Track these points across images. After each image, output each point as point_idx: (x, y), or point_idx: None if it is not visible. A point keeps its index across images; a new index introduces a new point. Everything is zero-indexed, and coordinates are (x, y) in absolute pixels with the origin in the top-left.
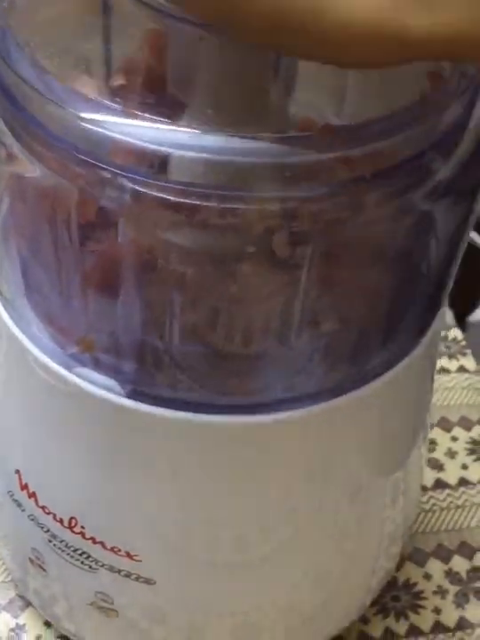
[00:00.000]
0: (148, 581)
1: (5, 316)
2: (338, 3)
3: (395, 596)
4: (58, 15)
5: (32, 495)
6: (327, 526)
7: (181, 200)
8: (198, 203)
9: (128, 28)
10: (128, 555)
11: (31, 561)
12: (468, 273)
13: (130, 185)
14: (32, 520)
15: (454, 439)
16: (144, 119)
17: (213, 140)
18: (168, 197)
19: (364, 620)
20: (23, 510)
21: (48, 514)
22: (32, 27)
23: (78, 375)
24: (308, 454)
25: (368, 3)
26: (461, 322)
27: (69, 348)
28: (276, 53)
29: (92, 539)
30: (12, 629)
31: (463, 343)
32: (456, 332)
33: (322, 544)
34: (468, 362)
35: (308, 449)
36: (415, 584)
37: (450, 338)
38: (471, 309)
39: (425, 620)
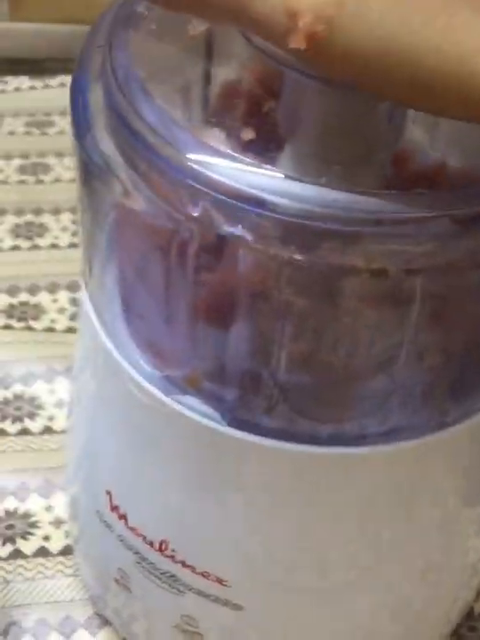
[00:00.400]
0: (236, 607)
1: (104, 338)
2: None
3: (471, 627)
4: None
5: (122, 517)
6: (412, 557)
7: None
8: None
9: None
10: (218, 580)
11: (116, 581)
12: None
13: (248, 218)
14: (121, 541)
15: None
16: (262, 168)
17: (324, 193)
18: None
19: None
20: (112, 531)
21: (138, 536)
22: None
23: (178, 401)
24: (401, 487)
25: None
26: None
27: (170, 375)
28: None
29: (182, 562)
30: None
31: None
32: None
33: (406, 574)
34: None
35: (401, 482)
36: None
37: None
38: None
39: None
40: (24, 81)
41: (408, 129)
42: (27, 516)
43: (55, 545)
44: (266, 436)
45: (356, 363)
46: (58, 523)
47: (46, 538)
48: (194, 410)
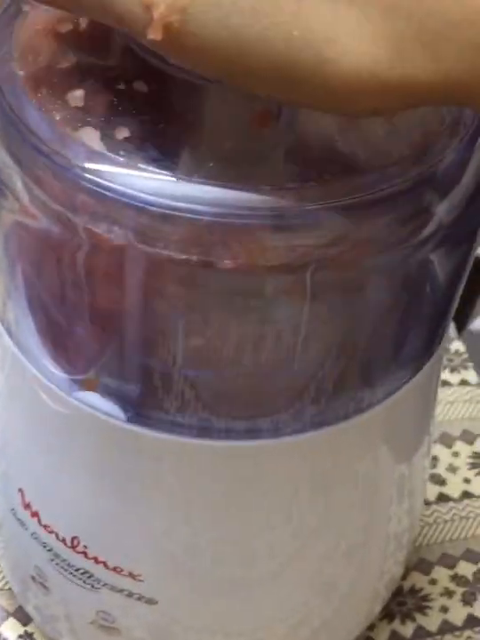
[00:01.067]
0: (150, 601)
1: (6, 337)
2: (342, 54)
3: (400, 602)
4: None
5: (35, 514)
6: (335, 540)
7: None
8: (201, 257)
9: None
10: (130, 575)
11: (33, 578)
12: (469, 283)
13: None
14: (35, 539)
15: (456, 454)
16: (147, 171)
17: (216, 193)
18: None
19: (369, 626)
20: (26, 528)
21: (51, 533)
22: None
23: (79, 399)
24: (313, 476)
25: (373, 53)
26: (461, 329)
27: (71, 373)
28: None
29: (95, 558)
30: (21, 636)
31: (465, 356)
32: (458, 345)
33: (328, 557)
34: (470, 375)
35: (312, 472)
36: (421, 589)
37: (452, 351)
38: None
39: (432, 621)
40: None
41: (300, 122)
42: None
43: None
44: (168, 432)
45: (257, 359)
46: None
47: None
48: (95, 407)
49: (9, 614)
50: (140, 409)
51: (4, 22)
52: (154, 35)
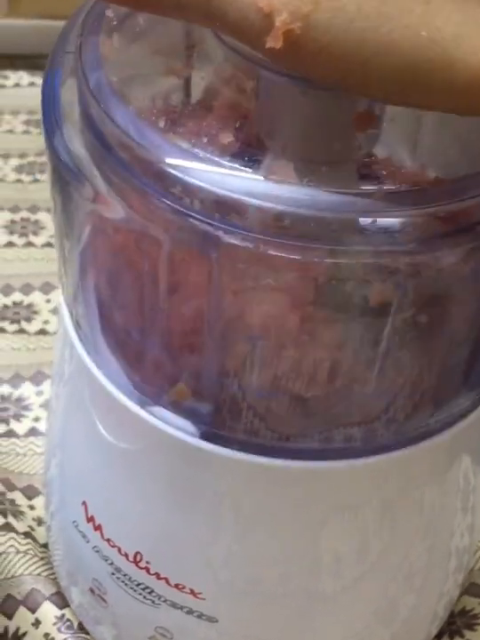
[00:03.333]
0: (210, 619)
1: (79, 348)
2: (472, 53)
3: (450, 622)
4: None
5: (98, 528)
6: (397, 564)
7: (270, 253)
8: (289, 256)
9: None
10: (192, 592)
11: (91, 591)
12: None
13: (219, 236)
14: (96, 552)
15: None
16: (235, 169)
17: (303, 193)
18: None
19: None
20: (87, 541)
21: (113, 547)
22: (123, 69)
23: (152, 414)
24: (380, 499)
25: None
26: None
27: (149, 387)
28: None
29: (157, 574)
30: (59, 618)
31: None
32: None
33: (392, 580)
34: None
35: (381, 495)
36: (472, 610)
37: None
38: None
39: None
40: (23, 76)
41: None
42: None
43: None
44: (240, 451)
45: (331, 377)
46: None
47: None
48: (167, 422)
49: (46, 598)
50: (213, 426)
51: (91, 27)
52: (274, 43)
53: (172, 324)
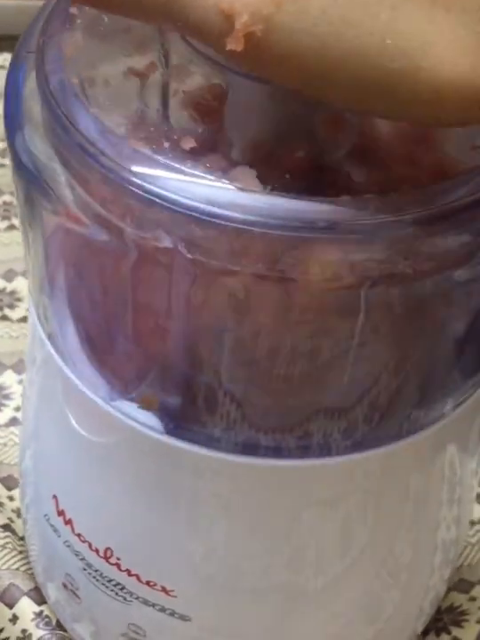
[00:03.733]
0: (183, 617)
1: (46, 339)
2: (438, 63)
3: (437, 619)
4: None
5: (68, 522)
6: (380, 561)
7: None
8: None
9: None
10: (163, 589)
11: (65, 586)
12: None
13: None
14: (67, 546)
15: None
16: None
17: (266, 202)
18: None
19: None
20: (59, 535)
21: (83, 542)
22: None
23: (118, 409)
24: (365, 492)
25: (470, 62)
26: None
27: (112, 383)
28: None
29: (128, 571)
30: (37, 614)
31: None
32: None
33: (375, 577)
34: None
35: (361, 492)
36: (459, 606)
37: None
38: None
39: (468, 633)
40: (8, 58)
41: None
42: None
43: None
44: (206, 447)
45: (311, 375)
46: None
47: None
48: (134, 418)
49: (24, 594)
50: (180, 422)
51: (55, 28)
52: (234, 45)
53: (136, 317)
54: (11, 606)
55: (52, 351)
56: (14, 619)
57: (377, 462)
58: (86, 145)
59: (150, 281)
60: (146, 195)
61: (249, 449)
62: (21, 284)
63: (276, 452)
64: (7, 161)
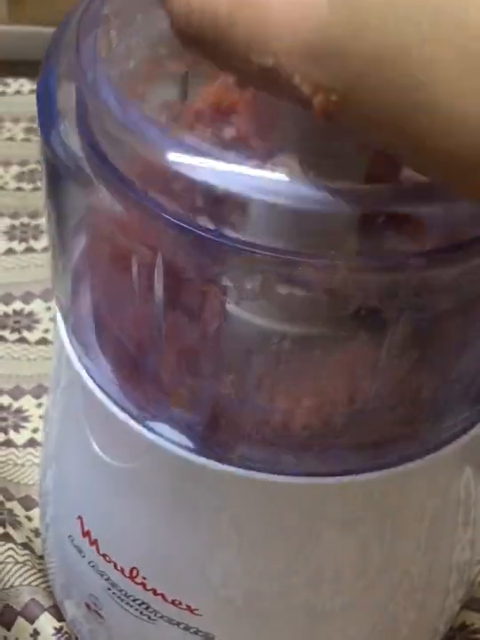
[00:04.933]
0: (207, 636)
1: (74, 358)
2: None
3: (449, 636)
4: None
5: (93, 543)
6: (397, 580)
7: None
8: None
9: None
10: (188, 608)
11: (88, 606)
12: None
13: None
14: (92, 567)
15: None
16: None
17: (305, 189)
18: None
19: None
20: (83, 556)
21: (109, 562)
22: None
23: (147, 428)
24: (383, 514)
25: None
26: None
27: (141, 400)
28: None
29: (153, 590)
30: (57, 630)
31: None
32: None
33: (392, 596)
34: None
35: (383, 509)
36: (472, 624)
37: None
38: None
39: None
40: (24, 84)
41: None
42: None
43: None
44: (236, 466)
45: (336, 396)
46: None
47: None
48: (164, 437)
49: (44, 610)
50: (209, 440)
51: (88, 25)
52: (317, 115)
53: (169, 337)
54: (31, 622)
55: (80, 369)
56: (35, 634)
57: (395, 481)
58: (127, 136)
59: (182, 304)
60: (186, 182)
61: (273, 467)
62: (39, 307)
63: (299, 470)
64: (24, 184)
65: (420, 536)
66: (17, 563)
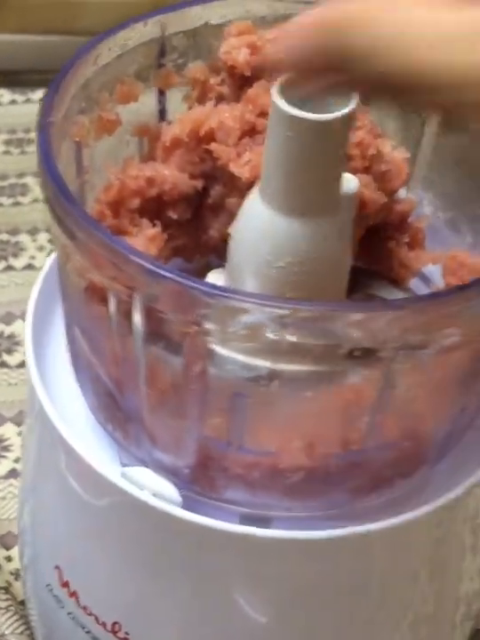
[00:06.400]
0: None
1: (50, 411)
2: None
3: None
4: None
5: (73, 594)
6: (403, 609)
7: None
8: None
9: None
10: None
11: None
12: None
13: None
14: (72, 619)
15: None
16: None
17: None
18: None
19: None
20: (62, 607)
21: (90, 615)
22: None
23: (129, 479)
24: (385, 566)
25: None
26: None
27: (123, 442)
28: None
29: None
30: None
31: None
32: None
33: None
34: None
35: (379, 562)
36: None
37: None
38: None
39: None
40: (4, 94)
41: None
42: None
43: None
44: (221, 519)
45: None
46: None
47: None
48: (146, 487)
49: None
50: (196, 489)
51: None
52: None
53: (149, 376)
54: None
55: (55, 420)
56: None
57: (396, 531)
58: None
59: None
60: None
61: (261, 521)
62: (20, 328)
63: (295, 523)
64: (4, 199)
65: (425, 568)
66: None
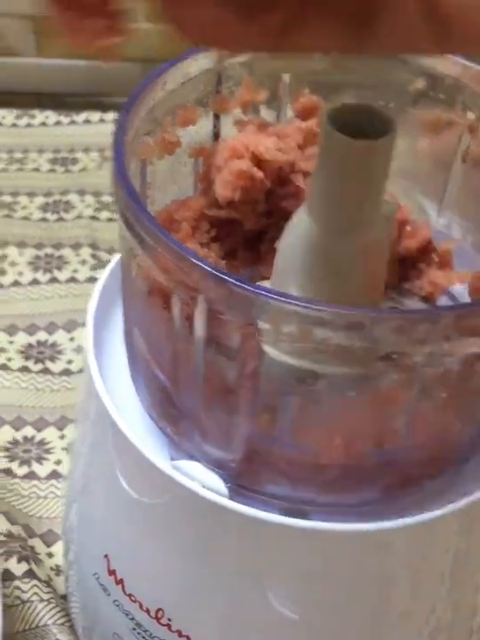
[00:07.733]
0: None
1: (110, 406)
2: None
3: None
4: None
5: (119, 582)
6: (423, 618)
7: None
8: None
9: None
10: None
11: None
12: None
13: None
14: (117, 606)
15: None
16: None
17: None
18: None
19: None
20: (108, 595)
21: (134, 602)
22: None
23: (179, 470)
24: (409, 562)
25: None
26: None
27: (175, 437)
28: None
29: (179, 632)
30: None
31: None
32: None
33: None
34: None
35: (412, 557)
36: None
37: None
38: None
39: None
40: (50, 115)
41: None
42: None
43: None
44: (267, 511)
45: (371, 440)
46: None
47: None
48: (195, 479)
49: None
50: (241, 482)
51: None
52: None
53: (207, 375)
54: None
55: (109, 410)
56: None
57: (423, 528)
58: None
59: (222, 335)
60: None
61: (304, 513)
62: (63, 337)
63: (329, 518)
64: (49, 215)
65: (445, 577)
66: (42, 601)
